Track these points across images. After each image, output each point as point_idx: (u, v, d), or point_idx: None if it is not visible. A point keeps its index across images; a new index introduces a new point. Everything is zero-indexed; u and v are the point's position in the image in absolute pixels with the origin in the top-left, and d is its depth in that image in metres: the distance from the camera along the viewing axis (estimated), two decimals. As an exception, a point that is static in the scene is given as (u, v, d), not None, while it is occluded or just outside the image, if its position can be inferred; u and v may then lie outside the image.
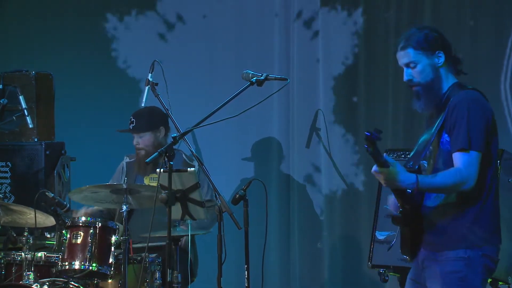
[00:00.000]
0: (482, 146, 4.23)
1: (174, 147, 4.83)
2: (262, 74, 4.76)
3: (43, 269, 5.72)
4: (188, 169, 5.38)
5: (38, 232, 5.84)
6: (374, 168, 4.16)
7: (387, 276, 6.06)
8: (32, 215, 5.58)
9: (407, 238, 4.41)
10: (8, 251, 5.80)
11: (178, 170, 5.21)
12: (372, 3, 7.28)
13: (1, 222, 5.73)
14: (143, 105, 5.49)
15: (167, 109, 5.24)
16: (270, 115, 7.51)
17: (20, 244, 5.69)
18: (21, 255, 5.65)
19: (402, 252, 4.50)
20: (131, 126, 6.33)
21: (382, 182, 4.19)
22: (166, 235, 4.85)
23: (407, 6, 7.13)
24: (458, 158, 4.22)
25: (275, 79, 4.81)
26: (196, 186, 5.34)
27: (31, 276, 5.56)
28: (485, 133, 4.25)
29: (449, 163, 4.26)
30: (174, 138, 4.78)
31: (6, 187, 6.64)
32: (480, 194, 4.28)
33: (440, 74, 4.36)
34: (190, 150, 5.11)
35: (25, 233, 5.67)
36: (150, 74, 5.38)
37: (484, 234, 4.31)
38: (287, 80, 4.83)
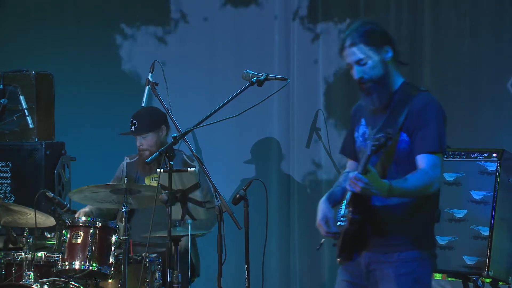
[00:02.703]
0: (445, 148, 4.24)
1: (174, 147, 4.83)
2: (263, 74, 4.74)
3: (43, 269, 5.73)
4: (188, 169, 5.38)
5: (38, 232, 5.84)
6: (356, 174, 4.02)
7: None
8: (32, 215, 5.58)
9: (350, 239, 4.28)
10: (8, 251, 5.80)
11: (178, 170, 5.21)
12: (372, 3, 7.28)
13: (1, 222, 5.73)
14: (143, 105, 5.49)
15: (167, 109, 5.24)
16: (270, 115, 7.51)
17: (20, 244, 5.70)
18: (21, 255, 5.66)
19: (340, 253, 4.35)
20: (132, 128, 6.33)
21: (358, 188, 4.03)
22: (167, 235, 4.85)
23: (407, 6, 7.13)
24: (424, 159, 4.16)
25: (276, 79, 4.80)
26: (196, 186, 5.34)
27: (31, 276, 5.57)
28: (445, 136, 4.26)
29: (401, 163, 4.20)
30: (174, 138, 4.78)
31: (6, 187, 6.65)
32: (432, 196, 4.24)
33: (389, 70, 4.28)
34: (190, 150, 5.11)
35: (25, 233, 5.68)
36: (150, 74, 5.38)
37: (431, 236, 4.32)
38: (287, 80, 4.82)
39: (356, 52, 4.25)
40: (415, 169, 4.19)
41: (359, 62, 4.26)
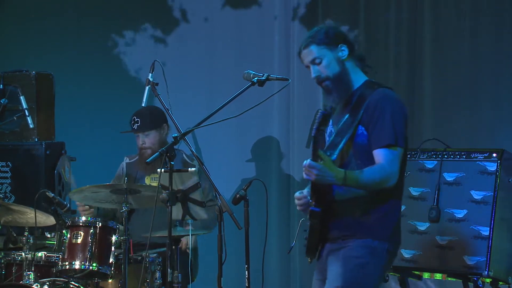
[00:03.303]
0: (404, 142, 4.27)
1: (174, 147, 4.83)
2: (264, 74, 4.75)
3: (43, 269, 5.73)
4: (189, 169, 5.38)
5: (38, 232, 5.84)
6: (310, 162, 4.10)
7: (387, 276, 6.05)
8: (32, 215, 5.58)
9: (315, 234, 4.31)
10: (8, 251, 5.80)
11: (178, 170, 5.21)
12: (372, 3, 7.27)
13: (1, 222, 5.73)
14: (143, 105, 5.50)
15: (167, 109, 5.25)
16: (270, 115, 7.51)
17: (20, 244, 5.70)
18: (21, 255, 5.66)
19: (309, 252, 4.39)
20: (135, 126, 6.32)
21: (313, 176, 4.11)
22: (167, 235, 4.85)
23: (407, 6, 7.12)
24: (382, 154, 4.21)
25: (277, 79, 4.80)
26: (196, 186, 5.34)
27: (31, 276, 5.56)
28: (405, 130, 4.28)
29: (360, 156, 4.25)
30: (175, 138, 4.78)
31: (7, 187, 6.65)
32: (392, 190, 4.27)
33: (346, 67, 4.39)
34: (190, 150, 5.11)
35: (25, 233, 5.68)
36: (150, 74, 5.38)
37: (390, 230, 4.32)
38: (288, 80, 4.84)
39: (309, 53, 4.38)
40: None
41: (314, 62, 4.39)
